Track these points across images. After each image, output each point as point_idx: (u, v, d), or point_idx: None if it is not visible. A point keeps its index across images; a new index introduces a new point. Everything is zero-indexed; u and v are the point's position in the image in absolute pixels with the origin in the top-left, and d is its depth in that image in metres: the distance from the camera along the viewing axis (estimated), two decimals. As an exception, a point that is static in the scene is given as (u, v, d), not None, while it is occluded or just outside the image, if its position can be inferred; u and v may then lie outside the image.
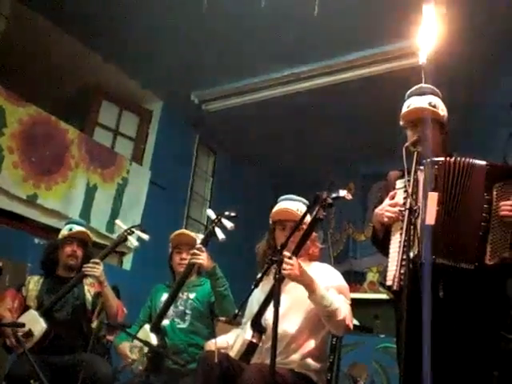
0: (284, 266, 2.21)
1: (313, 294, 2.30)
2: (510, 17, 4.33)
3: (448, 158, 2.17)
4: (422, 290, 1.82)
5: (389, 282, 2.05)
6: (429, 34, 3.39)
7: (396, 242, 2.13)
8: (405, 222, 1.92)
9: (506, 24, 4.41)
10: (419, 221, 2.03)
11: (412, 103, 2.39)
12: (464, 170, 2.12)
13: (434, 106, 2.35)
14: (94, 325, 3.19)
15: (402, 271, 1.85)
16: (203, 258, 2.95)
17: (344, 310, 2.34)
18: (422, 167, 2.17)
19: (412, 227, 1.92)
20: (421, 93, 2.42)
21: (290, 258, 2.25)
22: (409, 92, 2.47)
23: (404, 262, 1.85)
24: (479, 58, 4.76)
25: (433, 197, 2.07)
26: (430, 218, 2.02)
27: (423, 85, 2.48)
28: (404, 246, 1.89)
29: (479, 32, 4.46)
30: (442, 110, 2.39)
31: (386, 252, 2.23)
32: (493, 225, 2.05)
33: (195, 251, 2.97)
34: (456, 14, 4.13)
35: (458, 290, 2.04)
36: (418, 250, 1.97)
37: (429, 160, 2.18)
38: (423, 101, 2.37)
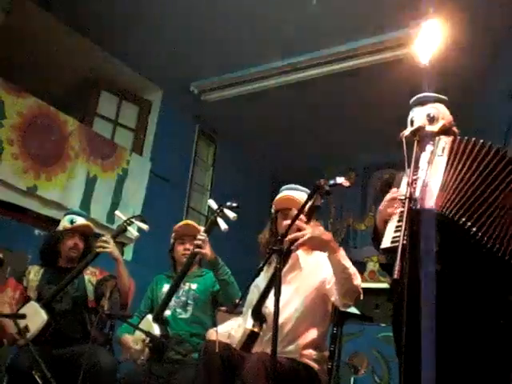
0: (297, 234, 2.20)
1: (334, 252, 2.29)
2: (510, 10, 4.31)
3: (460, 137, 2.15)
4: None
5: (384, 245, 2.05)
6: (429, 36, 3.32)
7: (396, 217, 2.11)
8: (405, 210, 1.91)
9: (505, 17, 4.39)
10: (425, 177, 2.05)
11: (413, 117, 2.36)
12: (479, 147, 2.05)
13: (432, 118, 2.31)
14: (106, 308, 3.13)
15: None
16: (208, 249, 2.95)
17: (359, 278, 2.37)
18: (433, 141, 2.16)
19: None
20: (421, 103, 2.38)
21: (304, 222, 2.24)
22: (411, 101, 2.41)
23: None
24: (478, 51, 4.74)
25: (440, 160, 2.08)
26: (436, 179, 2.03)
27: (425, 94, 2.41)
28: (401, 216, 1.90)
29: (478, 25, 4.44)
30: (443, 119, 2.34)
31: None
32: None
33: (199, 242, 2.96)
34: (455, 6, 4.11)
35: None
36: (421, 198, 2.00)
37: (442, 136, 2.17)
38: (422, 114, 2.34)
